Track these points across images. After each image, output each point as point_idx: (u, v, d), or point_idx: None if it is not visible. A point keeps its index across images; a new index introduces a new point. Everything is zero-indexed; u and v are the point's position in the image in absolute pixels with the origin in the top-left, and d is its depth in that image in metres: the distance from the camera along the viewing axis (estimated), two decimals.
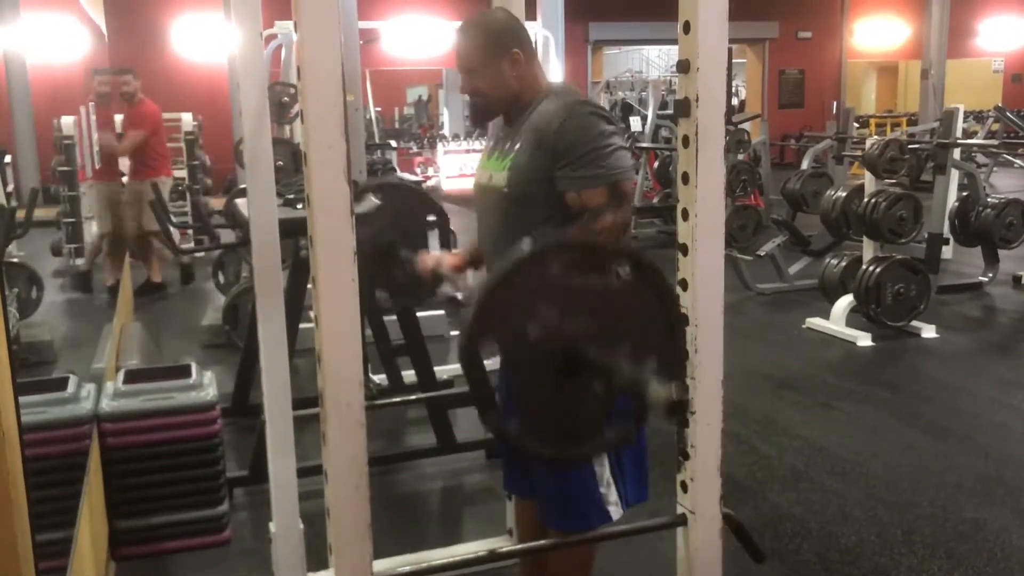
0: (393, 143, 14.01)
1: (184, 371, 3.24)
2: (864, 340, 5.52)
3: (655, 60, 22.42)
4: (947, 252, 7.41)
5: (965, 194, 7.05)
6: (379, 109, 15.68)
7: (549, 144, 2.03)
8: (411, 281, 2.69)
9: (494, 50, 2.11)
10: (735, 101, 18.77)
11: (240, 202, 4.04)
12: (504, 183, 2.11)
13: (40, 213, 7.13)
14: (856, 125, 11.09)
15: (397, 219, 2.70)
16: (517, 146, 2.11)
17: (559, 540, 2.07)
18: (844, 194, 6.25)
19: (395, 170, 13.25)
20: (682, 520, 1.78)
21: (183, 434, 3.06)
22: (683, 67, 1.62)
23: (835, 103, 17.92)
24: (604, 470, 2.08)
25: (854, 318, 5.71)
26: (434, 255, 2.47)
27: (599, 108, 2.08)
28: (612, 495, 2.10)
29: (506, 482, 2.43)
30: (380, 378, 4.40)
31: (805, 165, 8.79)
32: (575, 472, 2.08)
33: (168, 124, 9.88)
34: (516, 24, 2.20)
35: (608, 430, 1.57)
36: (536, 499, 2.23)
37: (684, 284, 1.68)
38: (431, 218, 2.83)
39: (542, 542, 2.13)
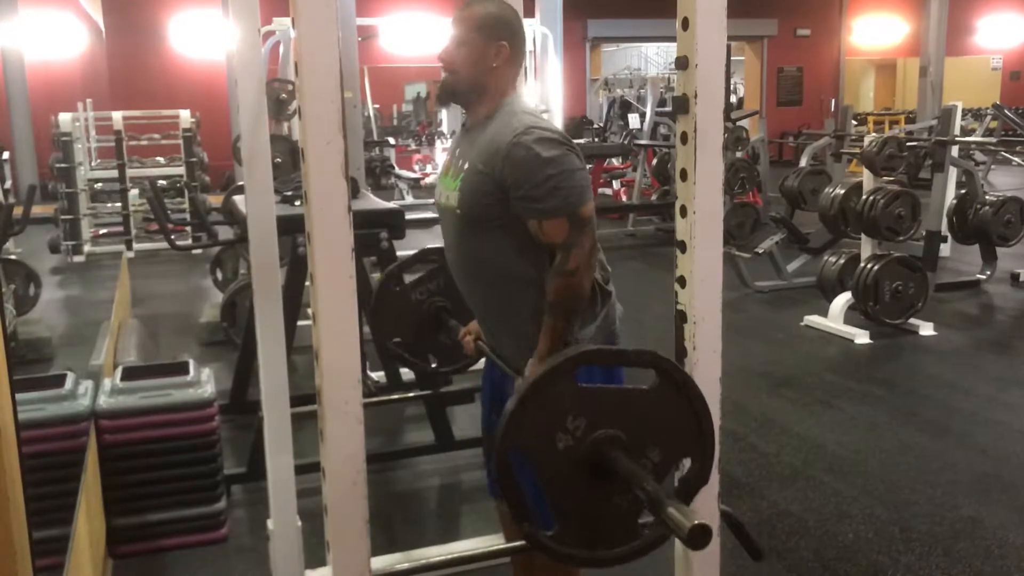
0: (391, 140, 13.99)
1: (182, 368, 3.24)
2: (862, 338, 5.53)
3: (654, 57, 22.40)
4: (945, 250, 7.42)
5: (963, 192, 7.05)
6: (377, 106, 15.65)
7: (498, 171, 1.99)
8: (452, 348, 2.70)
9: (486, 30, 2.09)
10: (734, 99, 18.77)
11: (238, 199, 4.05)
12: (456, 204, 2.09)
13: (38, 210, 7.12)
14: (854, 123, 11.10)
15: (439, 283, 2.69)
16: (467, 166, 2.08)
17: None
18: (842, 192, 6.25)
19: (393, 167, 13.23)
20: None
21: (181, 431, 3.05)
22: (682, 64, 1.61)
23: (833, 101, 17.96)
24: None
25: (852, 316, 5.72)
26: (470, 328, 2.42)
27: (547, 130, 2.01)
28: None
29: (491, 487, 2.42)
30: (378, 375, 4.39)
31: (803, 163, 8.79)
32: None
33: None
34: (518, 24, 2.17)
35: (643, 534, 1.58)
36: None
37: (682, 281, 1.68)
38: None
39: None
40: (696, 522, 1.31)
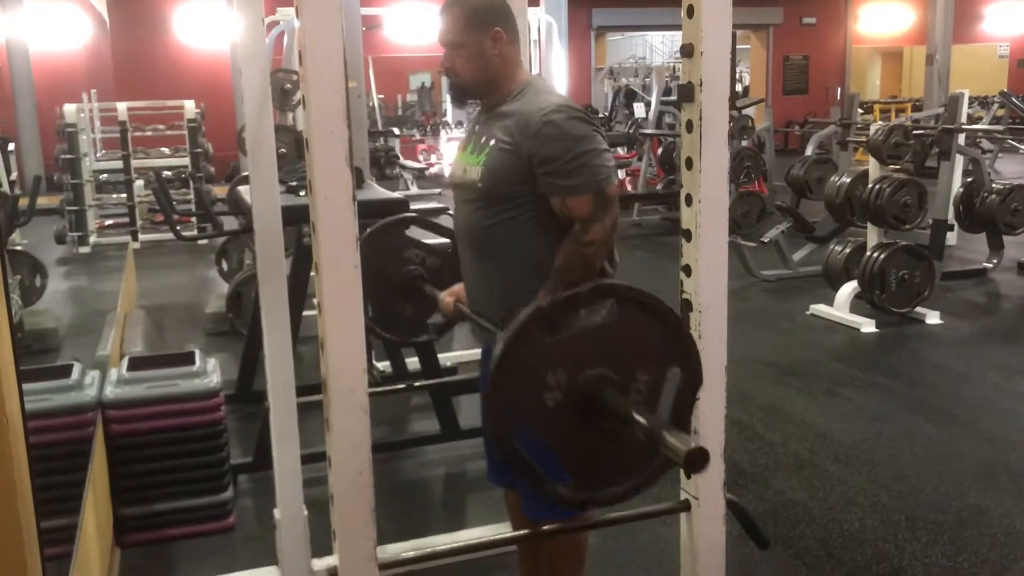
0: (396, 130, 13.98)
1: (188, 358, 3.24)
2: (868, 327, 5.52)
3: (659, 46, 22.33)
4: (951, 238, 7.39)
5: (970, 180, 7.02)
6: (382, 96, 15.62)
7: (526, 148, 2.00)
8: (413, 319, 2.73)
9: (476, 25, 2.08)
10: (739, 87, 18.70)
11: (243, 189, 4.04)
12: (478, 178, 2.09)
13: (44, 201, 7.13)
14: (860, 111, 11.06)
15: (433, 261, 2.71)
16: (492, 142, 2.08)
17: (561, 526, 2.07)
18: (848, 180, 6.23)
19: (398, 157, 13.22)
20: (685, 506, 1.79)
21: (187, 421, 3.06)
22: (687, 51, 1.61)
23: (839, 89, 17.88)
24: None
25: (858, 304, 5.71)
26: (452, 290, 2.42)
27: (577, 111, 2.03)
28: None
29: (489, 474, 2.43)
30: (384, 365, 4.40)
31: (809, 151, 8.76)
32: None
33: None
34: (501, 2, 2.17)
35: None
36: (517, 490, 2.23)
37: (688, 270, 1.68)
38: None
39: (544, 528, 2.13)
40: (693, 446, 1.31)
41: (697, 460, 1.32)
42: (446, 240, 2.71)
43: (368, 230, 2.74)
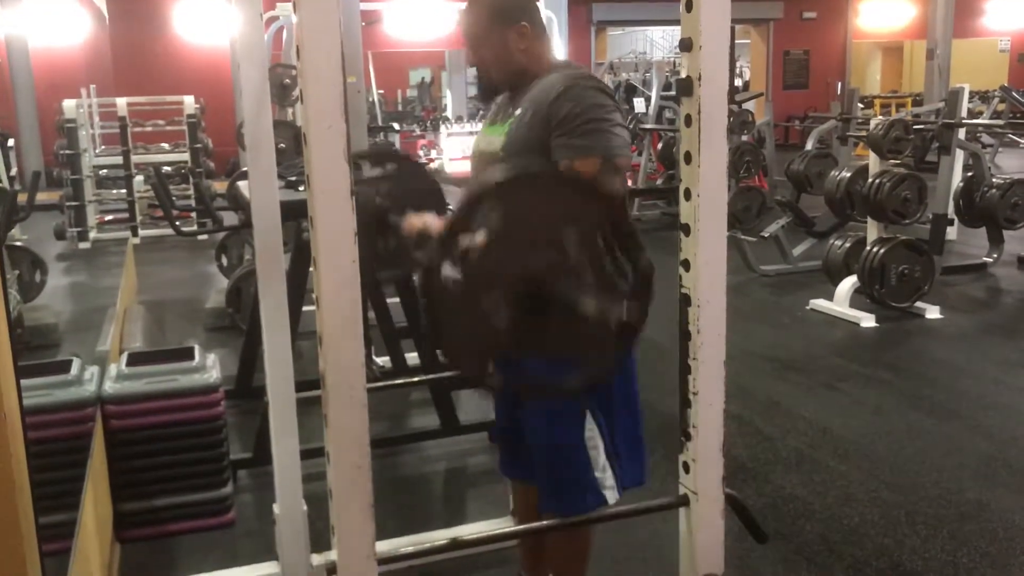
0: (396, 125, 13.96)
1: (187, 354, 3.24)
2: (868, 321, 5.52)
3: (659, 41, 22.31)
4: (951, 233, 7.39)
5: (970, 174, 7.02)
6: (382, 92, 15.61)
7: (545, 113, 2.00)
8: (399, 249, 2.66)
9: (501, 20, 2.08)
10: (739, 82, 18.69)
11: (242, 185, 4.04)
12: (499, 147, 2.09)
13: (43, 197, 7.13)
14: (861, 106, 11.04)
15: (390, 188, 2.66)
16: (517, 111, 2.08)
17: (561, 521, 2.07)
18: (848, 175, 6.23)
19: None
20: (684, 501, 1.79)
21: (187, 416, 3.06)
22: (686, 45, 1.61)
23: (840, 83, 17.85)
24: (599, 454, 2.08)
25: (858, 299, 5.70)
26: (421, 216, 2.38)
27: (601, 84, 2.04)
28: (608, 479, 2.10)
29: (502, 466, 2.43)
30: (383, 360, 4.40)
31: (809, 146, 8.75)
32: (569, 457, 2.08)
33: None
34: None
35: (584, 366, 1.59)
36: (533, 485, 2.23)
37: (687, 264, 1.68)
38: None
39: (544, 523, 2.14)
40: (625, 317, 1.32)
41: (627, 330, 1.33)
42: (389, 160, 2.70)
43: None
